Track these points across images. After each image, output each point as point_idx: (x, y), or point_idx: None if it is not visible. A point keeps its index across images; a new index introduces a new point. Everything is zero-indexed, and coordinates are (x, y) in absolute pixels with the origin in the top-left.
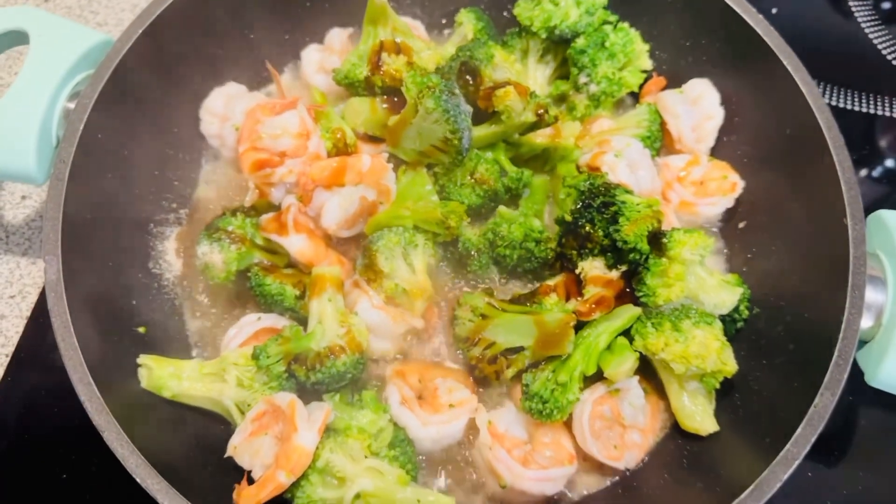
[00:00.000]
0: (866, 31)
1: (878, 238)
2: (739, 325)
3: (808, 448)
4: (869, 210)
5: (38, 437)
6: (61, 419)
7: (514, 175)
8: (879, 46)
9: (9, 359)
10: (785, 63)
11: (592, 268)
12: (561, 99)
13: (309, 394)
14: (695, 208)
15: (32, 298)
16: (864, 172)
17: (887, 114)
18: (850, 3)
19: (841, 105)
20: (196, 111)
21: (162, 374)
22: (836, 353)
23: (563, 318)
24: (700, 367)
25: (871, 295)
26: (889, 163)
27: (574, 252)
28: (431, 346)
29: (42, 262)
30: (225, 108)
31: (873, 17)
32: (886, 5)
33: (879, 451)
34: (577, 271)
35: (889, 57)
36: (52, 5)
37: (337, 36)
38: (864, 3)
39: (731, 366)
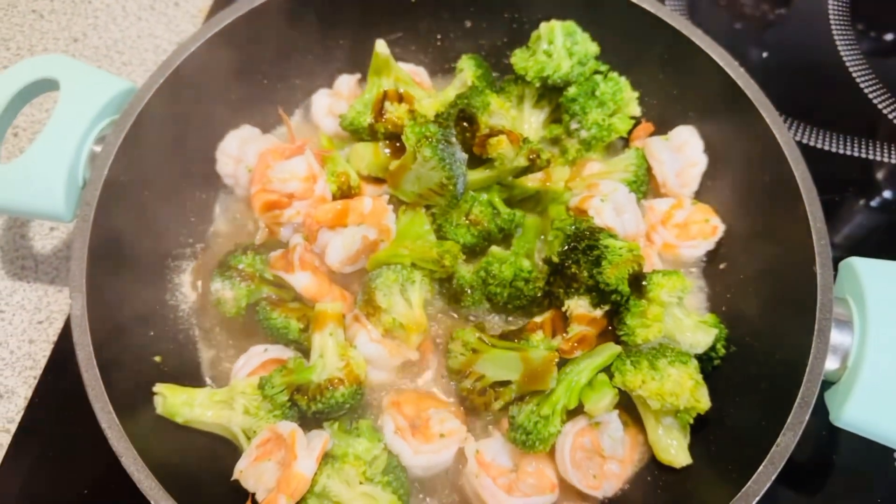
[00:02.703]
0: (854, 75)
1: (848, 283)
2: (716, 362)
3: (767, 485)
4: (846, 250)
5: (61, 455)
6: (84, 439)
7: (507, 216)
8: (866, 90)
9: (37, 381)
10: (763, 115)
11: (578, 306)
12: (554, 142)
13: (310, 421)
14: (677, 250)
15: (59, 324)
16: (845, 214)
17: (874, 157)
18: (840, 48)
19: (827, 148)
20: (212, 152)
21: (175, 402)
22: (799, 395)
23: (546, 356)
24: (674, 404)
25: (838, 338)
26: (871, 204)
27: (561, 290)
28: (426, 377)
29: (68, 290)
30: (239, 150)
31: (860, 61)
32: (871, 45)
33: (860, 483)
34: (563, 308)
35: (875, 101)
36: (81, 45)
37: (345, 82)
38: (853, 48)
39: (703, 403)
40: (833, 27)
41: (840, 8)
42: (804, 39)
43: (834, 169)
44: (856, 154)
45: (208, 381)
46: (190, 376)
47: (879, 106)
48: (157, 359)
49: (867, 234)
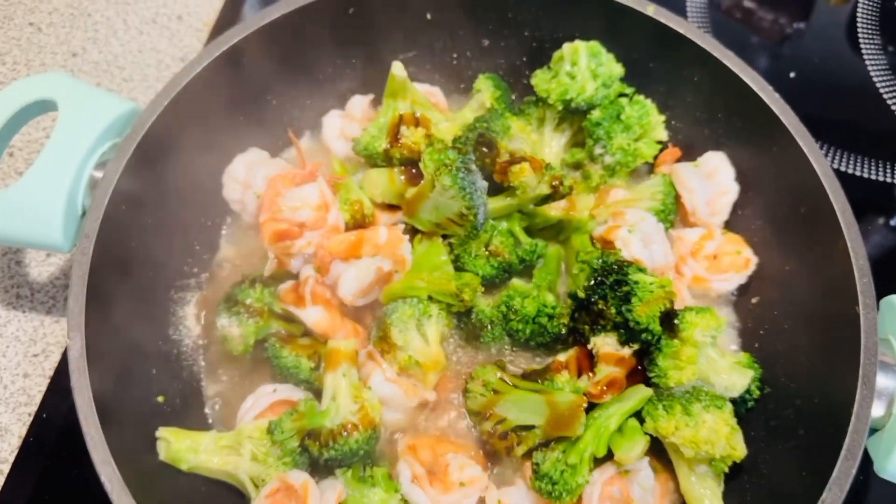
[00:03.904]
0: (886, 100)
1: (890, 323)
2: (750, 404)
3: None
4: (882, 286)
5: (58, 499)
6: (81, 481)
7: (529, 247)
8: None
9: (32, 418)
10: (799, 142)
11: (605, 344)
12: (577, 166)
13: (321, 467)
14: (708, 284)
15: (55, 357)
16: (876, 242)
17: None
18: (869, 69)
19: (859, 174)
20: (219, 176)
21: (180, 447)
22: (844, 447)
23: (574, 401)
24: (709, 452)
25: (883, 381)
26: None
27: (587, 327)
28: (445, 417)
29: (65, 321)
30: (246, 175)
31: (889, 77)
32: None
33: None
34: (589, 346)
35: None
36: (80, 60)
37: (358, 103)
38: (885, 70)
39: (740, 451)
40: (861, 44)
41: (867, 20)
42: (826, 54)
43: (865, 194)
44: (884, 178)
45: (213, 422)
46: (194, 417)
47: None
48: (160, 399)
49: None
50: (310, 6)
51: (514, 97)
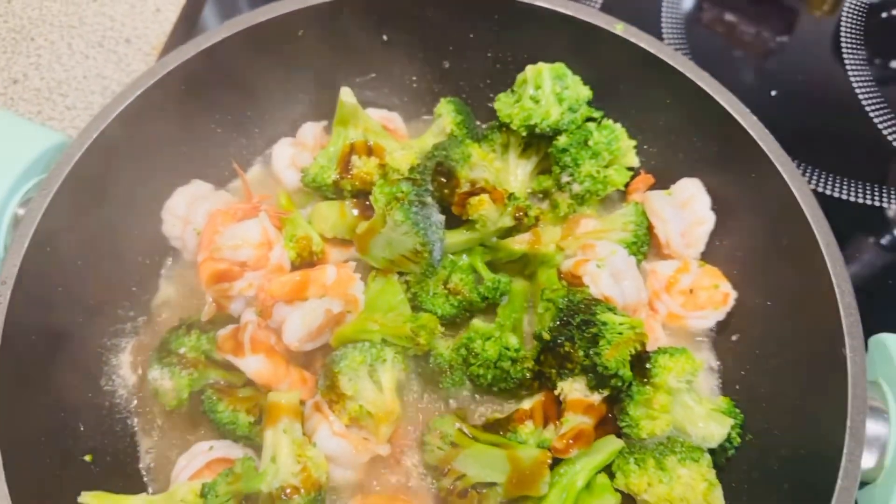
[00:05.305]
0: (871, 116)
1: (880, 365)
2: (731, 452)
3: None
4: (870, 318)
5: None
6: None
7: (491, 283)
8: (886, 133)
9: None
10: (780, 169)
11: (573, 390)
12: (544, 195)
13: None
14: (684, 321)
15: None
16: (864, 270)
17: (891, 205)
18: (855, 87)
19: (846, 197)
20: (158, 211)
21: None
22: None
23: (537, 457)
24: None
25: (873, 429)
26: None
27: (553, 371)
28: (401, 472)
29: None
30: (187, 210)
31: (880, 101)
32: (887, 74)
33: None
34: (556, 392)
35: (890, 137)
36: (21, 87)
37: (310, 130)
38: (869, 84)
39: None
40: (844, 53)
41: (851, 33)
42: (810, 69)
43: (852, 219)
44: (870, 202)
45: (147, 479)
46: (127, 476)
47: None
48: (88, 458)
49: (884, 290)
50: (256, 28)
51: (479, 123)
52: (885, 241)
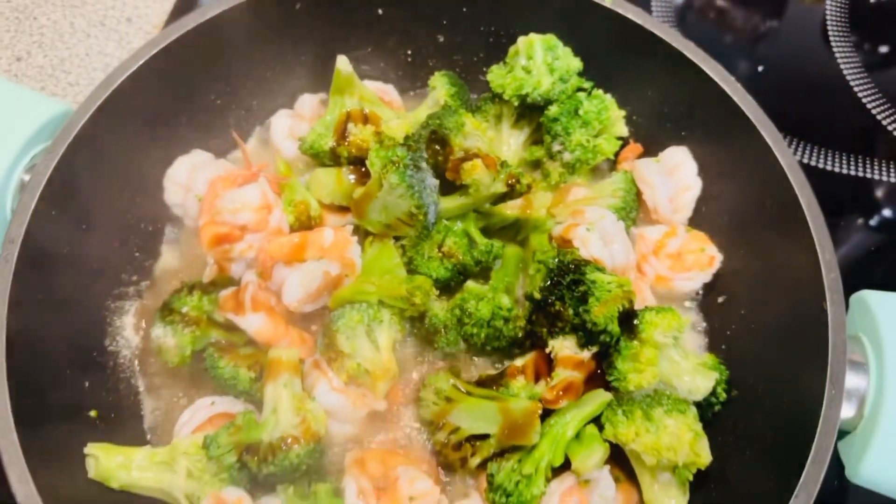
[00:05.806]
0: (856, 89)
1: (860, 320)
2: (717, 408)
3: None
4: (855, 283)
5: None
6: None
7: (484, 247)
8: (869, 106)
9: None
10: (764, 135)
11: (563, 347)
12: (536, 165)
13: (262, 484)
14: (671, 283)
15: None
16: (851, 239)
17: (878, 177)
18: (840, 62)
19: (836, 170)
20: (160, 179)
21: (110, 464)
22: (812, 451)
23: (528, 407)
24: (671, 459)
25: (853, 381)
26: (872, 225)
27: (544, 330)
28: (398, 427)
29: None
30: (188, 178)
31: (863, 75)
32: (875, 60)
33: None
34: (547, 350)
35: (879, 116)
36: (24, 65)
37: (307, 102)
38: (855, 63)
39: (704, 458)
40: (832, 38)
41: (838, 19)
42: (800, 52)
43: (834, 189)
44: (858, 174)
45: (151, 437)
46: (130, 433)
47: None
48: (93, 413)
49: (870, 258)
50: (255, 1)
51: (473, 95)
52: (867, 209)
